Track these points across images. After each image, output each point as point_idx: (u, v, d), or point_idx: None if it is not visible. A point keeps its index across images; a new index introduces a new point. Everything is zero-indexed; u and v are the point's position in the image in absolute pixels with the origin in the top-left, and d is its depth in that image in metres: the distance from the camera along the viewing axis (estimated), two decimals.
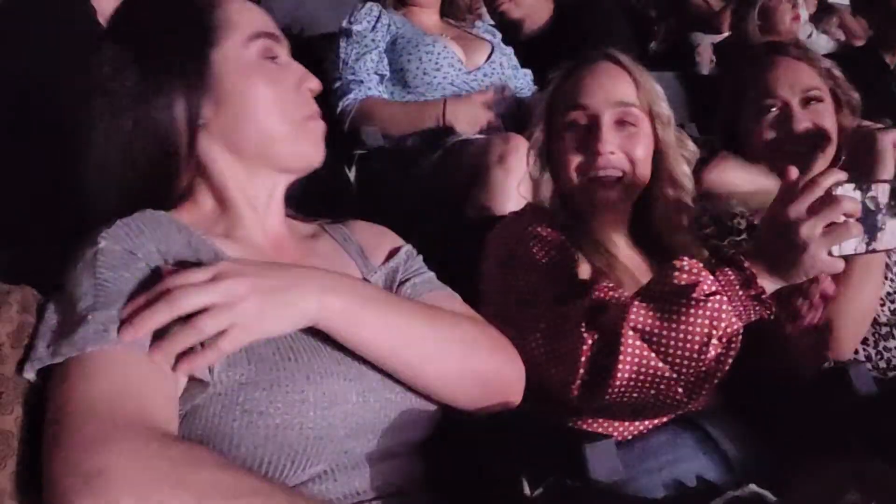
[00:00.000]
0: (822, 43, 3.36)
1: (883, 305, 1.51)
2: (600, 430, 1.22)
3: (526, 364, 1.10)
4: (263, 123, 1.01)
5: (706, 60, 3.19)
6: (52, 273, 0.92)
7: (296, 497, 0.84)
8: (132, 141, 0.98)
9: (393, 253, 1.14)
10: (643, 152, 1.33)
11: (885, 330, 1.52)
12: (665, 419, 1.24)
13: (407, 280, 1.11)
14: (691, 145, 1.40)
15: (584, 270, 1.27)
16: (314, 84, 1.05)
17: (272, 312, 0.88)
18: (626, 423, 1.23)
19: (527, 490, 1.07)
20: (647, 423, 1.23)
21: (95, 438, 0.76)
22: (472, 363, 1.02)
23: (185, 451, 0.80)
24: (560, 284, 1.19)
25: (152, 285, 0.86)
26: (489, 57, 2.31)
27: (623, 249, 1.35)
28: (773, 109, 1.61)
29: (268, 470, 0.89)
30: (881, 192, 1.02)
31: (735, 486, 1.09)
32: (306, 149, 1.04)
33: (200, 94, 0.98)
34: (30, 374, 0.84)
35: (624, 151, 1.31)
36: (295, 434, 0.89)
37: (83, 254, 0.90)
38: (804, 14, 3.23)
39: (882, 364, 1.51)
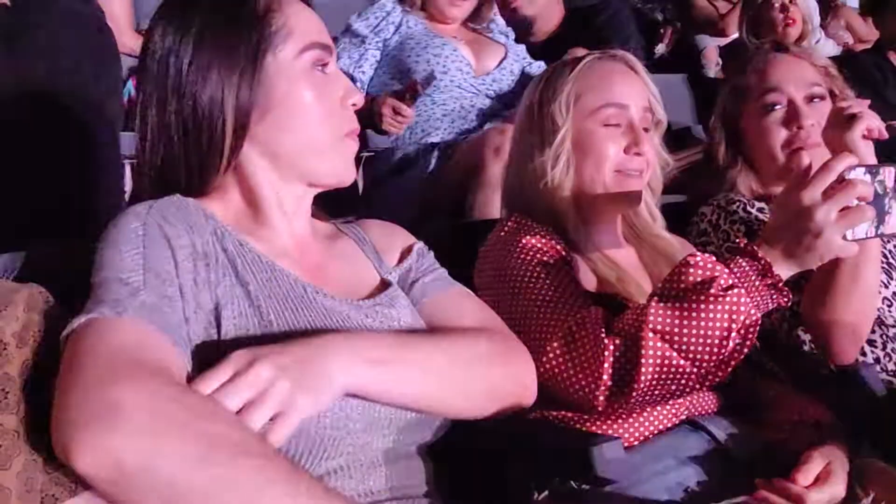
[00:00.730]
0: (828, 49, 3.36)
1: (890, 307, 1.51)
2: (610, 432, 1.22)
3: (545, 373, 1.11)
4: (306, 134, 1.01)
5: (712, 63, 3.20)
6: (60, 272, 0.93)
7: (298, 470, 0.82)
8: (175, 131, 0.99)
9: (406, 252, 1.15)
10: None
11: (892, 331, 1.52)
12: (671, 423, 1.24)
13: (417, 280, 1.12)
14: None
15: (588, 280, 1.26)
16: (358, 99, 1.05)
17: (307, 385, 0.86)
18: (632, 428, 1.22)
19: (534, 492, 1.07)
20: (653, 427, 1.23)
21: (113, 375, 0.77)
22: (491, 380, 1.04)
23: (200, 401, 0.80)
24: (571, 292, 1.19)
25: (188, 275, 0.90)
26: (501, 62, 2.30)
27: (624, 253, 1.36)
28: (778, 107, 1.61)
29: None
30: (888, 175, 1.03)
31: (738, 492, 1.09)
32: (340, 166, 1.05)
33: (251, 97, 0.98)
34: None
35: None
36: (313, 424, 0.90)
37: (126, 223, 0.92)
38: (815, 20, 3.22)
39: (891, 366, 1.50)
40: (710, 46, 3.21)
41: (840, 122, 1.40)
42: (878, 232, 1.04)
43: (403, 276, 1.12)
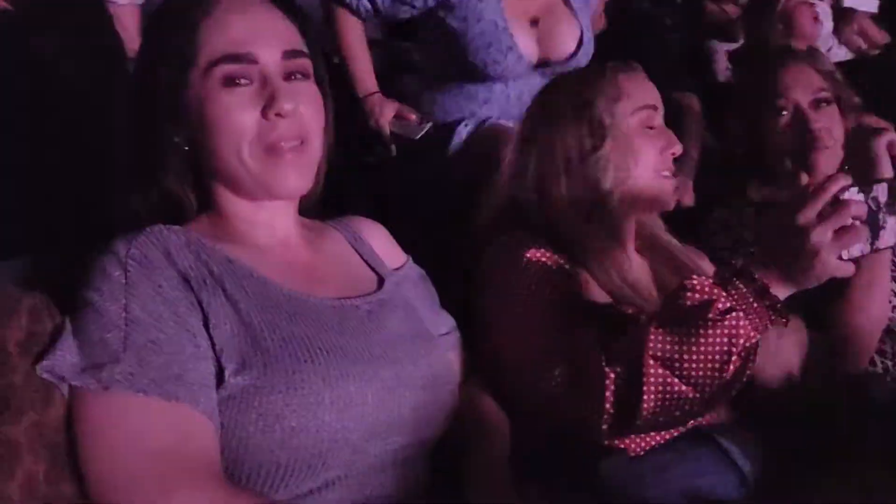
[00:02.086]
0: (841, 55, 3.35)
1: None
2: (616, 441, 1.21)
3: (547, 398, 1.11)
4: (225, 153, 0.98)
5: (722, 68, 3.18)
6: (64, 280, 0.93)
7: None
8: (139, 151, 1.01)
9: (400, 258, 1.18)
10: None
11: None
12: (677, 433, 1.23)
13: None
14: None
15: (597, 294, 1.24)
16: (283, 109, 0.97)
17: None
18: (639, 439, 1.22)
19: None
20: (659, 437, 1.22)
21: (167, 484, 0.82)
22: None
23: (248, 501, 0.86)
24: (569, 312, 1.17)
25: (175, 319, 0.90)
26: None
27: (635, 262, 1.35)
28: (785, 112, 1.62)
29: (284, 474, 0.90)
30: (881, 191, 1.03)
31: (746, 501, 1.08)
32: (271, 180, 0.99)
33: (178, 115, 0.98)
34: (44, 375, 0.85)
35: None
36: (311, 438, 0.90)
37: (106, 268, 0.91)
38: (828, 25, 3.20)
39: None
40: (720, 51, 3.19)
41: (863, 135, 1.41)
42: (873, 248, 1.03)
43: (401, 282, 1.13)
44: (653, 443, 1.21)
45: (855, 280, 1.36)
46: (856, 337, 1.40)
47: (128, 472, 0.83)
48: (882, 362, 1.50)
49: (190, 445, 0.85)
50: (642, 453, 1.21)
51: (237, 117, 0.96)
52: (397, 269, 1.16)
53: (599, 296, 1.24)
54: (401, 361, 1.00)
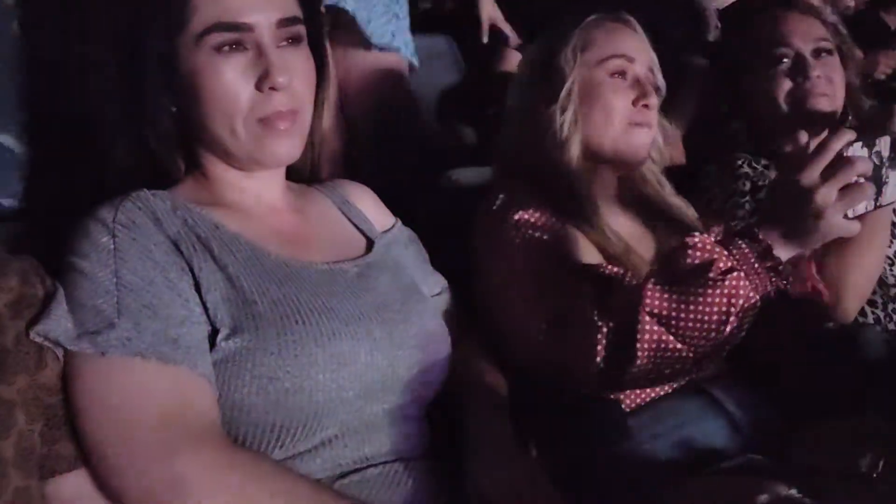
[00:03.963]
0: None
1: (891, 266, 1.51)
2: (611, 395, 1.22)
3: (536, 356, 1.11)
4: (216, 122, 0.97)
5: (712, 26, 3.16)
6: (55, 244, 0.93)
7: (341, 501, 0.87)
8: (126, 115, 1.00)
9: (388, 220, 1.18)
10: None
11: (893, 291, 1.52)
12: (672, 386, 1.24)
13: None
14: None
15: (589, 253, 1.24)
16: (277, 82, 0.95)
17: None
18: (633, 394, 1.22)
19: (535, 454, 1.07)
20: (653, 392, 1.23)
21: (170, 447, 0.82)
22: None
23: (251, 461, 0.86)
24: (561, 270, 1.16)
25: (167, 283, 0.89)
26: None
27: (624, 222, 1.34)
28: (786, 60, 1.60)
29: (280, 434, 0.90)
30: (884, 145, 1.00)
31: (740, 452, 1.08)
32: (259, 152, 0.99)
33: (168, 82, 0.97)
34: (38, 339, 0.85)
35: None
36: (305, 397, 0.90)
37: (93, 234, 0.91)
38: None
39: (892, 326, 1.51)
40: (710, 8, 3.16)
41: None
42: (877, 203, 1.01)
43: (389, 244, 1.13)
44: (646, 396, 1.22)
45: (854, 237, 1.36)
46: (850, 291, 1.40)
47: (129, 435, 0.83)
48: (873, 313, 1.51)
49: (190, 407, 0.85)
50: (635, 407, 1.22)
51: (231, 90, 0.95)
52: (386, 231, 1.16)
53: (590, 254, 1.23)
54: (393, 321, 1.00)
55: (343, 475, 0.93)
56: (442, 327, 1.09)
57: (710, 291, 0.98)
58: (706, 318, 0.99)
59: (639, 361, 1.01)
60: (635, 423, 1.12)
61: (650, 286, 1.02)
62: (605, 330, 1.04)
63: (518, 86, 1.38)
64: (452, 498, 0.96)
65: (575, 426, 1.08)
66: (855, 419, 1.15)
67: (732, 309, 0.98)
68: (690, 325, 0.99)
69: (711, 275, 0.99)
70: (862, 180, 0.97)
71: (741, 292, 0.98)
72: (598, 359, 1.03)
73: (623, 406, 1.16)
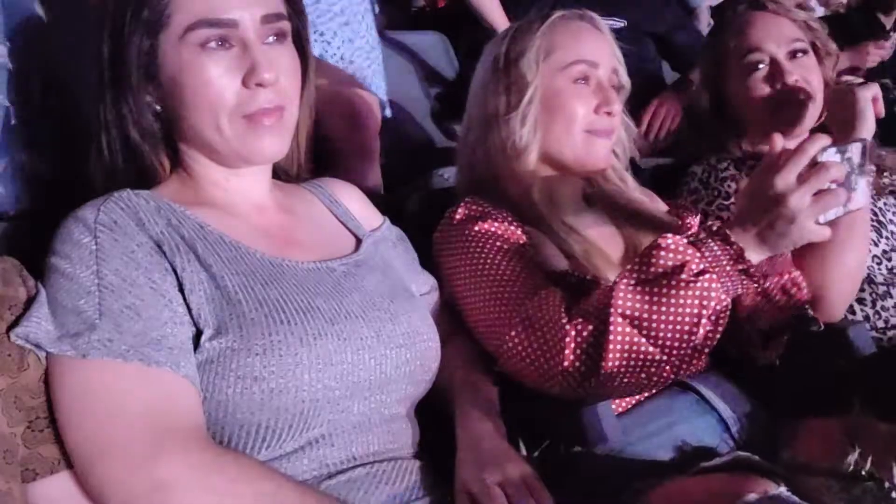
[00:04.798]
0: (819, 12, 3.34)
1: (879, 264, 1.51)
2: None
3: (509, 362, 1.10)
4: (200, 119, 0.96)
5: (704, 23, 3.16)
6: (38, 245, 0.92)
7: (326, 503, 0.87)
8: (110, 114, 0.99)
9: (377, 219, 1.18)
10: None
11: (882, 289, 1.52)
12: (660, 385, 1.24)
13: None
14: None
15: (556, 258, 1.22)
16: (263, 79, 0.94)
17: None
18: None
19: (524, 452, 1.07)
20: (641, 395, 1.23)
21: (154, 449, 0.82)
22: None
23: (235, 462, 0.86)
24: (529, 276, 1.15)
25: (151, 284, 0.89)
26: None
27: (590, 222, 1.32)
28: (761, 66, 1.59)
29: (265, 435, 0.90)
30: (855, 152, 1.01)
31: (729, 449, 1.09)
32: (245, 149, 0.98)
33: (152, 80, 0.96)
34: (19, 342, 0.84)
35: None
36: (291, 398, 0.89)
37: (74, 235, 0.90)
38: None
39: (880, 324, 1.51)
40: (703, 6, 3.16)
41: (844, 94, 1.39)
42: (846, 210, 1.02)
43: (377, 243, 1.13)
44: (633, 401, 1.22)
45: (831, 240, 1.36)
46: (833, 292, 1.40)
47: (112, 437, 0.82)
48: (862, 310, 1.51)
49: (174, 408, 0.85)
50: (627, 406, 1.22)
51: (217, 87, 0.94)
52: (374, 230, 1.15)
53: (555, 258, 1.22)
54: (380, 320, 0.99)
55: (330, 475, 0.93)
56: (430, 326, 1.09)
57: (682, 293, 0.98)
58: (678, 318, 0.98)
59: (609, 363, 1.00)
60: (625, 422, 1.12)
61: (622, 287, 1.01)
62: (573, 333, 1.03)
63: (479, 90, 1.35)
64: (442, 497, 0.96)
65: (562, 425, 1.08)
66: (843, 416, 1.16)
67: (704, 311, 0.98)
68: (662, 326, 0.99)
69: (684, 276, 0.98)
70: (834, 186, 0.98)
71: (713, 294, 0.98)
72: (566, 362, 1.02)
73: (613, 407, 1.16)
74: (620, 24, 2.28)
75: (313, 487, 0.90)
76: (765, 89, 1.59)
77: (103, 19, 0.98)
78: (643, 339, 0.99)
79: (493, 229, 1.19)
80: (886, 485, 1.02)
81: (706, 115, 1.69)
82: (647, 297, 1.00)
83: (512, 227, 1.20)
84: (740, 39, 1.62)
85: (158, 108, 0.98)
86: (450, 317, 1.20)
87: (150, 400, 0.84)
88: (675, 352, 1.00)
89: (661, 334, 0.99)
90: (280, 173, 1.11)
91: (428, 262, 1.20)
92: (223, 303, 0.90)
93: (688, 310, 0.98)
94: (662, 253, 1.01)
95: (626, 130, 1.36)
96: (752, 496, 0.89)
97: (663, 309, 0.99)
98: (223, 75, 0.94)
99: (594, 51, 1.29)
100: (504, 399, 1.09)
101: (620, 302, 1.00)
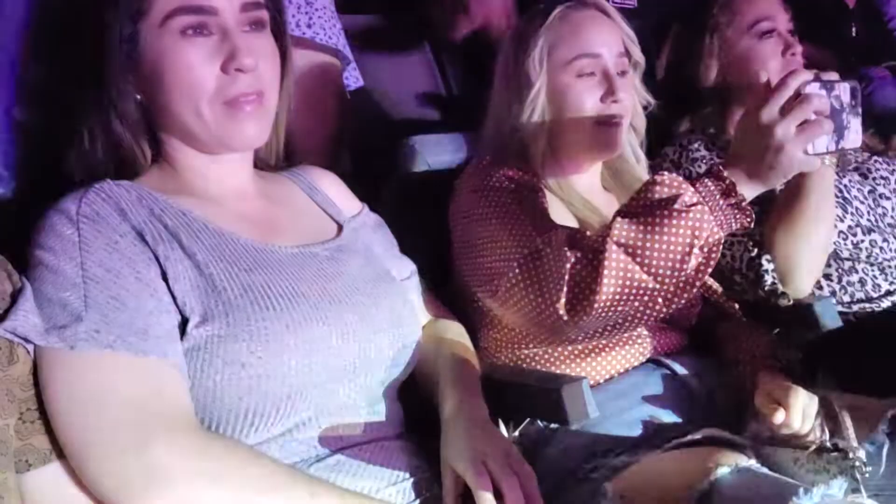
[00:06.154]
0: None
1: (845, 240, 1.54)
2: (578, 371, 1.25)
3: (508, 293, 1.13)
4: (181, 105, 0.96)
5: None
6: (21, 237, 0.92)
7: (315, 485, 0.88)
8: (89, 108, 0.98)
9: (356, 206, 1.19)
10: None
11: (847, 265, 1.55)
12: (637, 361, 1.27)
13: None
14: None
15: (567, 221, 1.27)
16: (243, 64, 0.95)
17: None
18: (600, 367, 1.25)
19: (505, 432, 1.09)
20: (619, 366, 1.26)
21: (144, 436, 0.83)
22: None
23: (225, 447, 0.87)
24: (544, 216, 1.20)
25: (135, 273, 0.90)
26: None
27: (604, 200, 1.38)
28: (774, 32, 1.61)
29: (253, 419, 0.91)
30: (844, 91, 1.04)
31: (699, 424, 1.12)
32: (228, 134, 0.98)
33: (135, 66, 0.96)
34: (7, 336, 0.84)
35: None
36: (278, 382, 0.91)
37: (57, 227, 0.90)
38: None
39: (846, 298, 1.54)
40: None
41: None
42: (839, 146, 1.05)
43: (358, 228, 1.14)
44: (613, 371, 1.26)
45: (796, 207, 1.40)
46: (802, 267, 1.44)
47: (103, 427, 0.83)
48: (829, 285, 1.55)
49: (163, 396, 0.86)
50: (601, 382, 1.25)
51: (197, 72, 0.95)
52: (354, 216, 1.16)
53: (566, 219, 1.28)
54: (364, 304, 1.01)
55: (319, 458, 0.95)
56: (412, 310, 1.11)
57: (674, 222, 1.01)
58: (671, 247, 1.01)
59: (605, 289, 1.03)
60: (601, 398, 1.14)
61: (618, 218, 1.05)
62: (573, 260, 1.06)
63: (495, 86, 1.40)
64: (428, 477, 0.98)
65: (541, 404, 1.11)
66: (810, 388, 1.19)
67: (696, 241, 1.01)
68: (656, 254, 1.02)
69: (677, 206, 1.01)
70: (822, 118, 1.01)
71: (705, 225, 1.01)
72: (566, 288, 1.06)
73: (589, 382, 1.19)
74: (630, 4, 2.28)
75: (303, 471, 0.92)
76: (776, 60, 1.60)
77: (85, 7, 0.98)
78: (636, 267, 1.03)
79: (515, 176, 1.26)
80: (850, 455, 1.06)
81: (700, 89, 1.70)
82: (641, 227, 1.03)
83: (534, 180, 1.27)
84: (752, 14, 1.63)
85: (139, 96, 0.98)
86: (436, 298, 1.23)
87: (138, 388, 0.85)
88: (667, 280, 1.03)
89: (654, 262, 1.02)
90: (261, 165, 1.11)
91: (405, 248, 1.22)
92: (208, 290, 0.91)
93: (680, 238, 1.01)
94: (657, 188, 1.04)
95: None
96: (724, 469, 0.93)
97: (656, 237, 1.02)
98: (203, 61, 0.95)
99: (596, 41, 1.32)
100: (483, 378, 1.11)
101: (616, 231, 1.03)
